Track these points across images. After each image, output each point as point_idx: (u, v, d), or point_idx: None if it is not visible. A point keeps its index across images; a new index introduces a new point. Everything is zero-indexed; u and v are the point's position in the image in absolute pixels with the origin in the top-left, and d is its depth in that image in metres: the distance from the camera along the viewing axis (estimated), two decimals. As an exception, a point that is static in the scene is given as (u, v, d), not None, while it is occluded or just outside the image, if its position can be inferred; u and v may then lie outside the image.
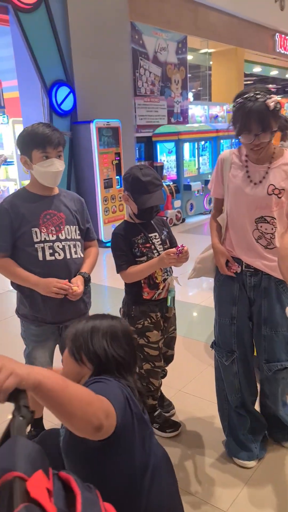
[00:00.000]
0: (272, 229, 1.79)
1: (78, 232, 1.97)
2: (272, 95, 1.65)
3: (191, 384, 2.72)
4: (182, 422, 2.35)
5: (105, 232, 6.21)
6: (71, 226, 1.94)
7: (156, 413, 2.30)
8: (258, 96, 1.62)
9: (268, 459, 2.06)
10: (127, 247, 2.02)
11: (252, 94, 1.63)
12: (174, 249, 1.89)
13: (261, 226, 1.81)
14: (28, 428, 1.11)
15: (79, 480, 0.68)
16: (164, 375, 2.35)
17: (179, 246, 1.90)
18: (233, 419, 2.07)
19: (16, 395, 0.88)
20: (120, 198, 6.55)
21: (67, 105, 6.08)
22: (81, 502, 0.59)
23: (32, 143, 1.81)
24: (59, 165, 1.85)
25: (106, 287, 4.77)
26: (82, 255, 2.00)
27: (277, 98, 1.64)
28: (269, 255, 1.83)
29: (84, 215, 2.05)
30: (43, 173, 1.84)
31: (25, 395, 0.89)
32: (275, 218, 1.78)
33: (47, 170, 1.83)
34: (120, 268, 2.02)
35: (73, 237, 1.94)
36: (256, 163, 1.79)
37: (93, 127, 5.94)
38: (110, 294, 4.61)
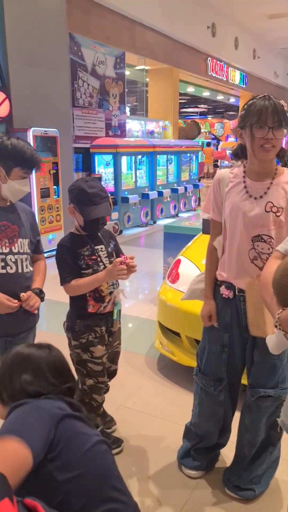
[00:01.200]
0: (269, 249, 1.71)
1: (28, 245, 1.93)
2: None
3: (132, 398, 2.71)
4: (125, 438, 2.32)
5: (42, 242, 6.02)
6: (24, 239, 1.89)
7: (99, 429, 2.25)
8: (271, 97, 1.62)
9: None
10: (72, 259, 1.98)
11: (264, 95, 1.63)
12: (120, 259, 1.88)
13: (257, 246, 1.73)
14: None
15: (45, 506, 0.65)
16: (107, 390, 2.31)
17: (122, 255, 1.90)
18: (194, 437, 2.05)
19: None
20: (57, 208, 6.42)
21: (2, 111, 5.87)
22: None
23: (18, 162, 1.79)
24: (27, 187, 1.87)
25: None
26: (31, 269, 1.96)
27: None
28: None
29: (35, 228, 2.02)
30: (16, 191, 1.83)
31: None
32: (272, 238, 1.71)
33: (21, 189, 1.84)
34: (64, 281, 1.97)
35: (25, 251, 1.89)
36: (256, 180, 1.73)
37: (30, 135, 5.79)
38: (46, 307, 4.47)
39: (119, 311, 2.10)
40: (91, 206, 1.94)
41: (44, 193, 6.15)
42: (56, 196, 6.37)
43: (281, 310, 1.17)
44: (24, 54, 6.01)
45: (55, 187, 6.31)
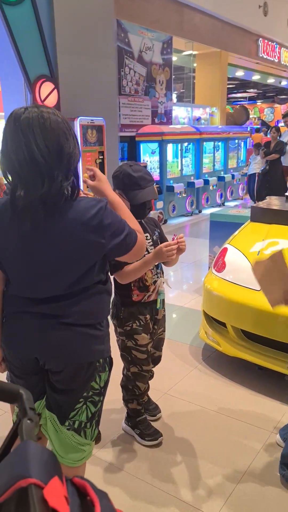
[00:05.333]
0: None
1: None
2: None
3: (177, 386, 2.70)
4: (169, 426, 2.32)
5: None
6: None
7: (141, 418, 2.25)
8: None
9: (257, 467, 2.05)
10: None
11: None
12: (171, 241, 1.81)
13: None
14: (37, 431, 1.08)
15: (95, 486, 0.64)
16: (151, 377, 2.31)
17: (174, 235, 1.85)
18: None
19: (19, 396, 0.84)
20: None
21: (50, 101, 5.97)
22: (100, 510, 0.55)
23: None
24: None
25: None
26: None
27: None
28: None
29: None
30: None
31: (30, 396, 0.85)
32: None
33: None
34: (115, 268, 1.95)
35: None
36: None
37: (77, 125, 5.86)
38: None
39: (163, 300, 2.08)
40: (137, 189, 1.91)
41: (91, 182, 6.22)
42: (102, 185, 6.41)
43: None
44: (72, 44, 6.05)
45: (101, 175, 6.36)
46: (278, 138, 8.48)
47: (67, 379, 1.37)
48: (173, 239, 1.83)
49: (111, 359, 1.48)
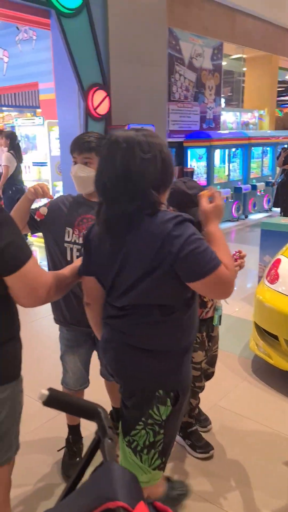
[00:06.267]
0: None
1: None
2: None
3: (226, 398, 2.69)
4: (220, 439, 2.32)
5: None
6: None
7: (192, 429, 2.27)
8: None
9: None
10: None
11: None
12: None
13: None
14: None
15: None
16: (202, 390, 2.32)
17: (235, 252, 1.81)
18: None
19: (97, 414, 0.87)
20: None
21: (102, 109, 6.12)
22: None
23: (70, 148, 1.86)
24: (79, 171, 1.83)
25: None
26: None
27: None
28: None
29: None
30: (74, 177, 1.86)
31: (107, 414, 0.89)
32: None
33: (72, 175, 1.86)
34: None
35: None
36: None
37: (127, 132, 5.96)
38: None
39: (220, 316, 2.08)
40: (193, 207, 1.92)
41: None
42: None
43: None
44: (124, 52, 6.17)
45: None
46: None
47: (125, 395, 1.42)
48: (234, 255, 1.81)
49: (177, 395, 1.39)
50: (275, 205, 8.16)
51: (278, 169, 8.28)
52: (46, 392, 0.87)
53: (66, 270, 1.44)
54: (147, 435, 1.38)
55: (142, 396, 1.37)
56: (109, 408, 2.29)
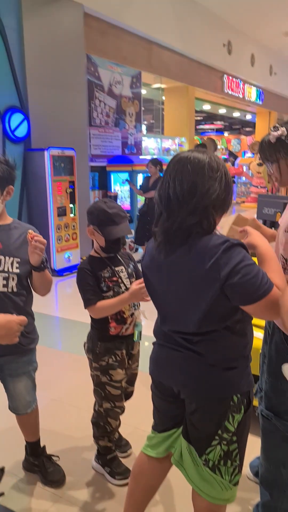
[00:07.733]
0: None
1: (17, 265, 1.88)
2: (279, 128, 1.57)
3: (147, 421, 2.63)
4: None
5: (57, 260, 6.07)
6: (8, 258, 1.85)
7: (111, 455, 2.19)
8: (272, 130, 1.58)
9: None
10: (94, 282, 1.95)
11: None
12: (141, 279, 1.79)
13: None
14: None
15: None
16: (122, 412, 2.26)
17: None
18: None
19: None
20: (73, 226, 6.48)
21: (20, 132, 6.01)
22: None
23: None
24: None
25: (58, 318, 4.60)
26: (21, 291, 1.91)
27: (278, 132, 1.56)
28: None
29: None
30: None
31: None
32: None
33: None
34: (88, 303, 1.93)
35: (8, 270, 1.86)
36: None
37: (47, 155, 5.89)
38: (62, 326, 4.45)
39: (140, 332, 2.06)
40: (112, 225, 1.93)
41: (61, 212, 6.22)
42: (72, 215, 6.43)
43: None
44: (42, 76, 6.16)
45: (71, 205, 6.38)
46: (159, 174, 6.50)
47: (197, 413, 1.43)
48: None
49: (249, 398, 1.43)
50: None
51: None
52: None
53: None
54: (222, 448, 1.41)
55: (218, 407, 1.39)
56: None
